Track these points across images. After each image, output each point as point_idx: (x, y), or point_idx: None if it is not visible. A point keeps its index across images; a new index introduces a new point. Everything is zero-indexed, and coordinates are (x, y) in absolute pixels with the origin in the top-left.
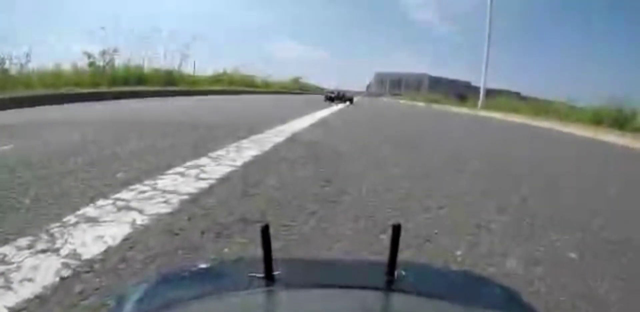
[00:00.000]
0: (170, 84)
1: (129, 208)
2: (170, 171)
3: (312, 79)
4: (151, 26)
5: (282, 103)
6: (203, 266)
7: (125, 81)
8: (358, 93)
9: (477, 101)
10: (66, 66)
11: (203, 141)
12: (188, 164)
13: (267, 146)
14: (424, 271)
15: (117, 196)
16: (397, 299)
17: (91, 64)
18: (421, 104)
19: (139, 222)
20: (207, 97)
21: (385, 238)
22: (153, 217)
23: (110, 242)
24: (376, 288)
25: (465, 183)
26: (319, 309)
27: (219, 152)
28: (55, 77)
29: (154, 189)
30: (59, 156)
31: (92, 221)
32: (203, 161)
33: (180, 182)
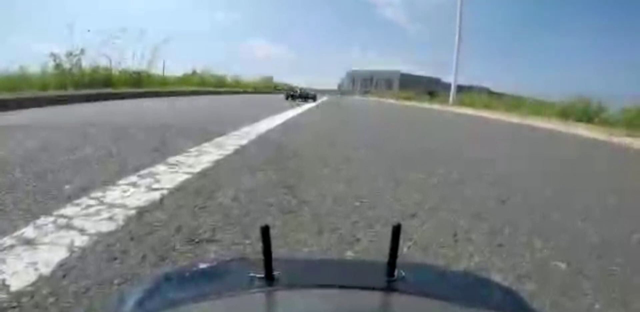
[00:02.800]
0: (139, 86)
1: (70, 227)
2: (122, 181)
3: (283, 78)
4: (119, 26)
5: (251, 103)
6: (203, 265)
7: (93, 83)
8: (330, 92)
9: (448, 97)
10: (34, 68)
11: (163, 145)
12: (142, 172)
13: (230, 149)
14: (424, 271)
15: (61, 211)
16: (397, 299)
17: (57, 66)
18: (392, 101)
19: (77, 243)
20: (176, 98)
21: (351, 255)
22: (94, 238)
23: (43, 270)
24: (376, 288)
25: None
26: (319, 309)
27: (178, 158)
28: (20, 80)
29: (101, 203)
30: (6, 165)
31: (29, 243)
32: (159, 168)
33: (130, 194)
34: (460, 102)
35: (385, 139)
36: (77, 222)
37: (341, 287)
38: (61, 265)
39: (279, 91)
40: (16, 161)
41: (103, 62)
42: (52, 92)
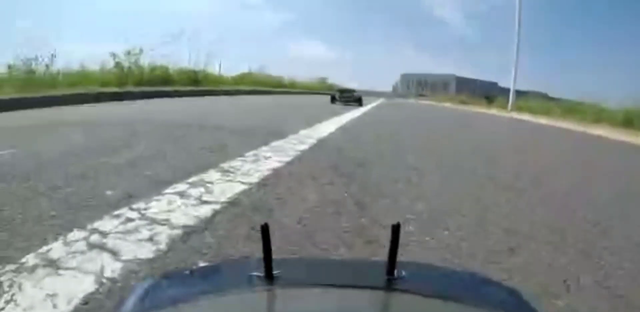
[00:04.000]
0: (196, 84)
1: (103, 248)
2: (170, 189)
3: (336, 80)
4: (174, 26)
5: (309, 104)
6: (204, 265)
7: (151, 81)
8: (383, 94)
9: (505, 102)
10: (94, 67)
11: (219, 148)
12: (193, 179)
13: (290, 155)
14: (424, 270)
15: (97, 225)
16: (396, 298)
17: (117, 65)
18: (447, 104)
19: (108, 273)
20: (232, 97)
21: None
22: (128, 266)
23: (62, 307)
24: (376, 288)
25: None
26: (319, 309)
27: (233, 163)
28: (82, 77)
29: (143, 216)
30: (53, 164)
31: (53, 265)
32: (212, 175)
33: (177, 207)
34: (518, 108)
35: (446, 146)
36: (112, 242)
37: (341, 286)
38: (85, 302)
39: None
40: (60, 159)
41: (161, 62)
42: (111, 89)
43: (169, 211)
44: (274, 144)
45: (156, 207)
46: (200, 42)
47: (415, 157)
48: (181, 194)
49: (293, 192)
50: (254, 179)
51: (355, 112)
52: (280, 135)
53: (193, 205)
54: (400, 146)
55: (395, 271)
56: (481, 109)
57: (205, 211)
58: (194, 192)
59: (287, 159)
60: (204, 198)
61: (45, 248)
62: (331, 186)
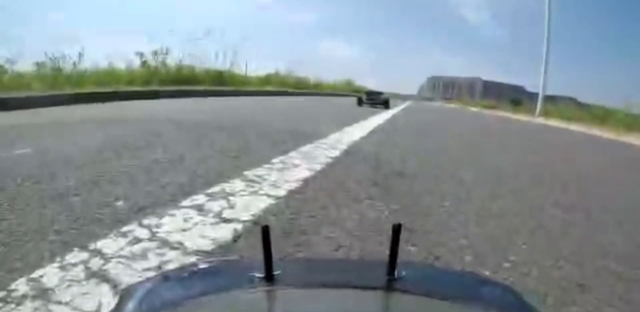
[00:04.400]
0: (221, 84)
1: (103, 276)
2: (187, 202)
3: (362, 81)
4: (201, 26)
5: (337, 105)
6: (204, 265)
7: (177, 80)
8: (408, 97)
9: (533, 107)
10: (120, 65)
11: (244, 152)
12: (214, 189)
13: (320, 162)
14: (424, 270)
15: (100, 244)
16: (397, 298)
17: (143, 64)
18: (475, 109)
19: None
20: (258, 98)
21: None
22: None
23: None
24: (376, 288)
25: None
26: (319, 309)
27: (259, 171)
28: (108, 75)
29: (153, 236)
30: (66, 166)
31: (43, 296)
32: (235, 184)
33: (193, 226)
34: (546, 113)
35: (483, 153)
36: (114, 269)
37: (341, 286)
38: None
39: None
40: (71, 162)
41: (187, 61)
42: (136, 88)
43: (184, 230)
44: (303, 149)
45: (169, 224)
46: (226, 42)
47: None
48: (199, 208)
49: (327, 211)
50: (281, 191)
51: (384, 115)
52: (310, 139)
53: (211, 224)
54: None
55: (396, 271)
56: (507, 114)
57: (225, 232)
58: (214, 206)
59: (318, 167)
60: (225, 215)
61: (39, 272)
62: (370, 200)
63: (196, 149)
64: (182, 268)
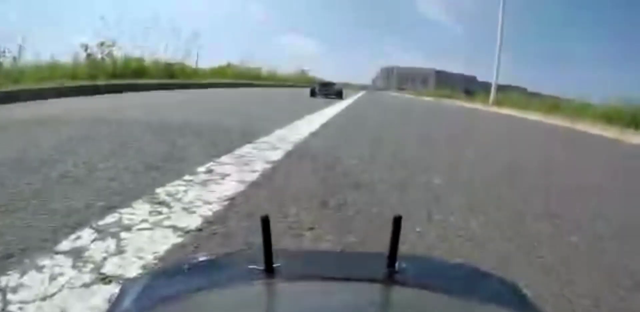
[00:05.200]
0: (173, 77)
1: None
2: (66, 243)
3: (317, 73)
4: (152, 17)
5: (286, 97)
6: (203, 258)
7: (125, 74)
8: (363, 87)
9: (485, 96)
10: (66, 59)
11: (169, 159)
12: (110, 219)
13: (256, 169)
14: (425, 263)
15: None
16: (397, 291)
17: (88, 56)
18: (429, 99)
19: None
20: (207, 91)
21: None
22: None
23: None
24: (376, 280)
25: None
26: (319, 301)
27: (175, 187)
28: (51, 70)
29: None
30: None
31: None
32: (139, 211)
33: (59, 290)
34: (499, 102)
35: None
36: None
37: (341, 279)
38: None
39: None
40: None
41: (137, 54)
42: (71, 84)
43: (45, 298)
44: (239, 151)
45: (30, 287)
46: (178, 34)
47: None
48: (77, 255)
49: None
50: (196, 220)
51: (336, 107)
52: (249, 137)
53: (84, 285)
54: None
55: (396, 264)
56: (462, 103)
57: (98, 300)
58: (98, 251)
59: (252, 177)
60: (107, 268)
61: None
62: (316, 230)
63: (114, 157)
64: (182, 262)
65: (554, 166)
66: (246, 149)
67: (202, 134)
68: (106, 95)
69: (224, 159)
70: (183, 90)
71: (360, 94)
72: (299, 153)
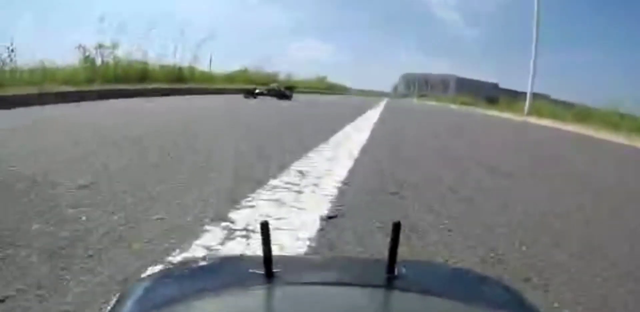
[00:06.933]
0: (180, 82)
1: None
2: None
3: (335, 79)
4: (161, 16)
5: (316, 106)
6: (203, 263)
7: (127, 78)
8: (384, 94)
9: (513, 105)
10: (63, 62)
11: (182, 194)
12: None
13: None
14: (424, 268)
15: None
16: (397, 296)
17: (86, 59)
18: (455, 107)
19: None
20: (223, 97)
21: None
22: None
23: None
24: (376, 286)
25: None
26: (318, 307)
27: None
28: (43, 74)
29: None
30: None
31: None
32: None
33: None
34: (536, 112)
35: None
36: None
37: (341, 284)
38: None
39: (344, 93)
40: None
41: (141, 56)
42: (58, 88)
43: None
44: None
45: None
46: (189, 36)
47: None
48: None
49: None
50: None
51: (363, 125)
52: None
53: None
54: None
55: (395, 269)
56: (492, 112)
57: None
58: None
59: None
60: None
61: None
62: None
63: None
64: (182, 265)
65: None
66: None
67: (208, 163)
68: (100, 102)
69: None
70: (196, 96)
71: (384, 101)
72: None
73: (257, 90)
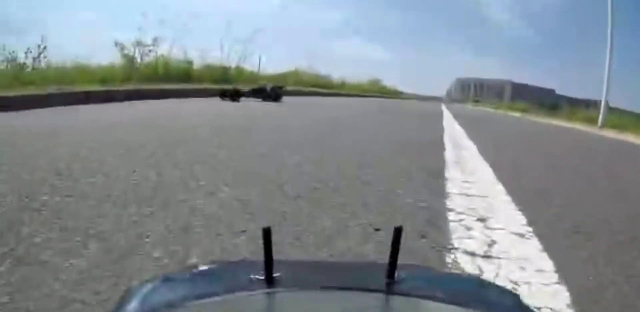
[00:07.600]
0: (226, 82)
1: None
2: None
3: (387, 82)
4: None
5: (400, 115)
6: (204, 267)
7: (168, 77)
8: (436, 99)
9: (575, 113)
10: (99, 60)
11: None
12: None
13: None
14: (425, 273)
15: None
16: (397, 301)
17: (124, 57)
18: (517, 114)
19: None
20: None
21: None
22: None
23: None
24: (377, 290)
25: None
26: (318, 311)
27: None
28: (79, 72)
29: None
30: None
31: None
32: None
33: None
34: (613, 125)
35: None
36: None
37: (342, 289)
38: None
39: (401, 97)
40: None
41: (183, 55)
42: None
43: None
44: None
45: None
46: (235, 35)
47: None
48: None
49: None
50: None
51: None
52: None
53: None
54: None
55: (396, 274)
56: (557, 122)
57: None
58: None
59: None
60: None
61: None
62: None
63: None
64: (182, 269)
65: None
66: None
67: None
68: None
69: None
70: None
71: (444, 108)
72: None
73: (241, 91)
